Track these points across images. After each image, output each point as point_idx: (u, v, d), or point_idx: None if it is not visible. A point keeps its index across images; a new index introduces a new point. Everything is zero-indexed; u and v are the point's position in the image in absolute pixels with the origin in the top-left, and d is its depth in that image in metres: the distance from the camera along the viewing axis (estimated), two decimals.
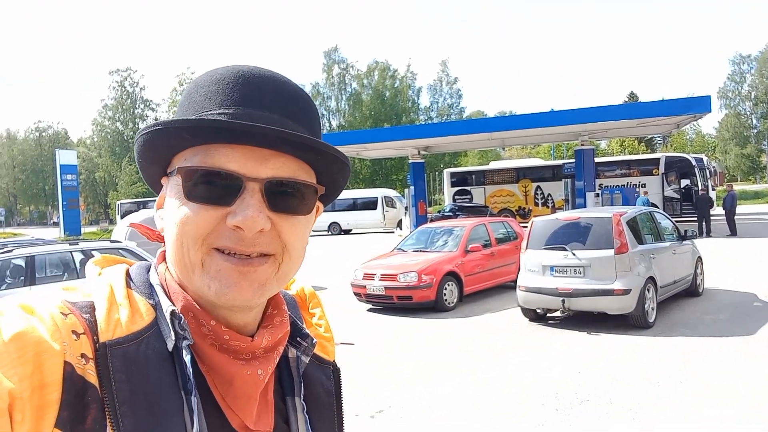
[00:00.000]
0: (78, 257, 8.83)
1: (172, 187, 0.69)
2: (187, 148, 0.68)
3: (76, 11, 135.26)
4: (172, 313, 0.67)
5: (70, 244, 9.12)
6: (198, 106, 0.68)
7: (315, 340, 0.80)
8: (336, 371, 0.85)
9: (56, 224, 48.43)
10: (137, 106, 67.26)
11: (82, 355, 0.60)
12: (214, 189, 0.65)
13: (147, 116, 67.95)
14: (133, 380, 0.61)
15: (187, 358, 0.66)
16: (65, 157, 38.60)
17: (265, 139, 0.64)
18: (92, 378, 0.60)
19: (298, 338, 0.79)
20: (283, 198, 0.67)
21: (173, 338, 0.66)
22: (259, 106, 0.68)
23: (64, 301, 0.65)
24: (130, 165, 54.86)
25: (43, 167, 72.66)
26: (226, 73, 0.69)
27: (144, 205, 35.79)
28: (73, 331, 0.61)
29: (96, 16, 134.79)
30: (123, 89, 66.74)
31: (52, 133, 77.10)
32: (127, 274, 0.72)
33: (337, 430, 0.82)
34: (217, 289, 0.66)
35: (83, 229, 40.16)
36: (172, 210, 0.69)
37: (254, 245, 0.66)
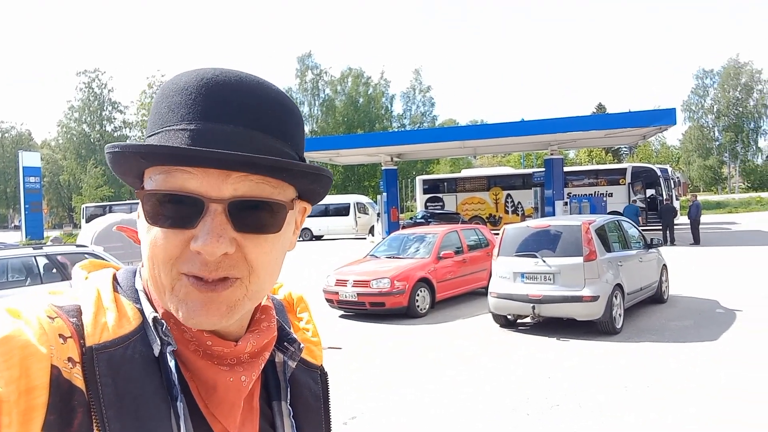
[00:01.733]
0: (42, 262, 8.58)
1: (140, 204, 0.68)
2: (147, 167, 0.66)
3: (43, 10, 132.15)
4: (155, 319, 0.67)
5: (34, 249, 8.86)
6: (162, 119, 0.66)
7: (302, 345, 0.79)
8: (324, 376, 0.85)
9: (17, 228, 47.05)
10: (105, 107, 65.86)
11: (69, 359, 0.60)
12: (176, 211, 0.63)
13: (115, 118, 66.66)
14: (120, 384, 0.61)
15: (171, 363, 0.65)
16: (28, 159, 37.52)
17: (222, 163, 0.61)
18: (79, 382, 0.59)
19: (285, 343, 0.78)
20: (249, 216, 0.64)
21: (159, 344, 0.66)
22: (223, 119, 0.64)
23: (51, 304, 0.64)
24: (95, 168, 53.66)
25: (5, 169, 70.47)
26: (190, 81, 0.66)
27: (110, 209, 35.03)
28: (60, 335, 0.60)
29: (64, 15, 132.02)
30: (90, 90, 65.29)
31: (15, 134, 74.84)
32: (115, 279, 0.72)
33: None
34: (184, 313, 0.65)
35: (46, 233, 39.00)
36: (143, 228, 0.68)
37: (217, 269, 0.63)
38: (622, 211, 20.77)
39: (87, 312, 0.64)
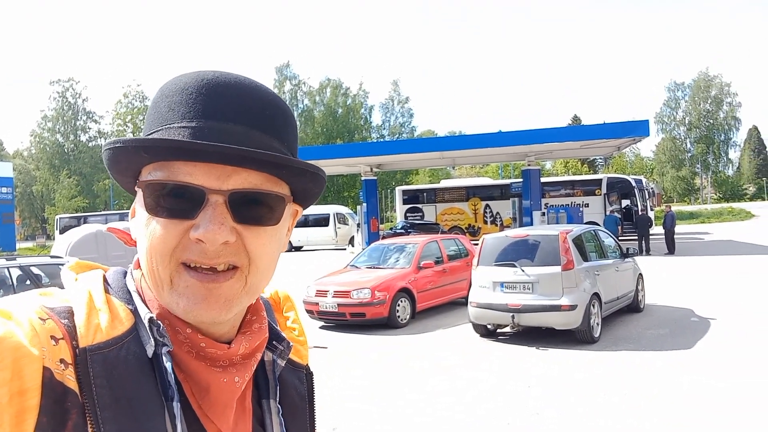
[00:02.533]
0: (15, 273, 8.39)
1: (138, 199, 0.69)
2: (150, 163, 0.67)
3: (15, 18, 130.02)
4: (150, 320, 0.66)
5: (7, 260, 8.66)
6: (162, 118, 0.67)
7: (291, 343, 0.80)
8: (309, 375, 0.85)
9: None
10: (79, 117, 64.95)
11: (61, 361, 0.59)
12: (177, 202, 0.65)
13: (89, 128, 65.76)
14: (114, 385, 0.61)
15: (168, 364, 0.66)
16: (0, 169, 36.77)
17: (224, 157, 0.63)
18: (72, 383, 0.59)
19: (274, 342, 0.78)
20: (248, 209, 0.66)
21: (153, 344, 0.65)
22: (223, 118, 0.66)
23: (42, 306, 0.64)
24: (69, 178, 52.70)
25: None
26: (191, 82, 0.67)
27: (85, 220, 34.40)
28: (52, 336, 0.60)
29: (38, 23, 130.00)
30: (64, 100, 64.36)
31: None
32: (105, 280, 0.72)
33: None
34: (185, 305, 0.65)
35: (18, 245, 38.21)
36: (140, 223, 0.68)
37: (218, 257, 0.65)
38: (602, 221, 21.05)
39: (79, 313, 0.64)
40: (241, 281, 0.67)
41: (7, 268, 8.36)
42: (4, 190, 35.87)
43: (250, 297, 0.70)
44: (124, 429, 0.60)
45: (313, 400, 0.84)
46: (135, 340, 0.65)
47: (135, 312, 0.68)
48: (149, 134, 0.68)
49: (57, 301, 0.66)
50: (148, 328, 0.66)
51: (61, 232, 29.94)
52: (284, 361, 0.79)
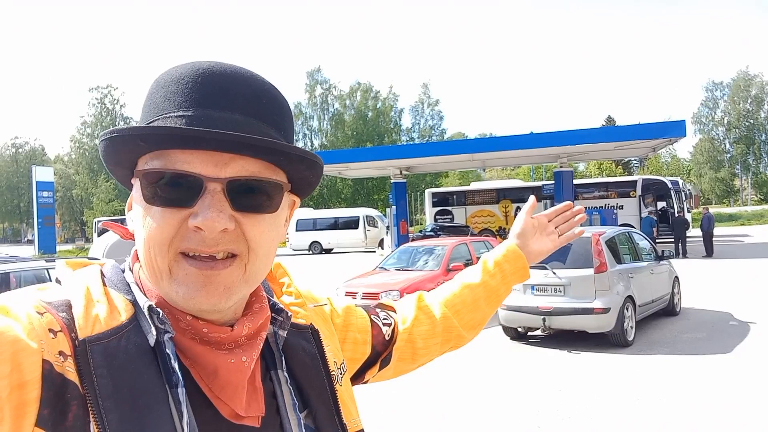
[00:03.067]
0: (54, 275, 8.66)
1: (136, 189, 0.69)
2: (147, 152, 0.67)
3: (56, 26, 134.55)
4: (150, 308, 0.67)
5: (47, 261, 8.95)
6: (158, 108, 0.67)
7: (290, 313, 0.80)
8: (315, 333, 0.84)
9: (30, 242, 47.51)
10: (117, 123, 66.68)
11: (60, 353, 0.60)
12: (175, 191, 0.65)
13: None
14: (116, 375, 0.61)
15: (170, 350, 0.66)
16: (42, 173, 37.97)
17: (222, 144, 0.63)
18: (72, 375, 0.59)
19: (273, 314, 0.79)
20: (246, 196, 0.66)
21: (154, 333, 0.65)
22: (219, 107, 0.66)
23: (39, 300, 0.64)
24: (107, 182, 54.16)
25: (19, 184, 71.38)
26: (186, 72, 0.68)
27: (122, 223, 35.25)
28: (50, 330, 0.60)
29: (78, 32, 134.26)
30: (103, 106, 66.30)
31: (28, 150, 75.96)
32: (102, 273, 0.72)
33: (328, 389, 0.81)
34: (184, 293, 0.65)
35: (58, 247, 39.39)
36: (137, 213, 0.68)
37: (217, 245, 0.65)
38: (638, 223, 20.51)
39: (77, 305, 0.64)
40: (240, 269, 0.67)
41: (47, 269, 8.66)
42: (45, 194, 37.03)
43: (249, 285, 0.70)
44: (126, 418, 0.60)
45: (324, 355, 0.83)
46: (135, 330, 0.66)
47: (134, 302, 0.69)
48: (146, 124, 0.68)
49: (54, 294, 0.67)
50: (147, 316, 0.66)
51: (99, 234, 30.78)
52: (285, 332, 0.79)
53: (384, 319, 1.07)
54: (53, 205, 38.97)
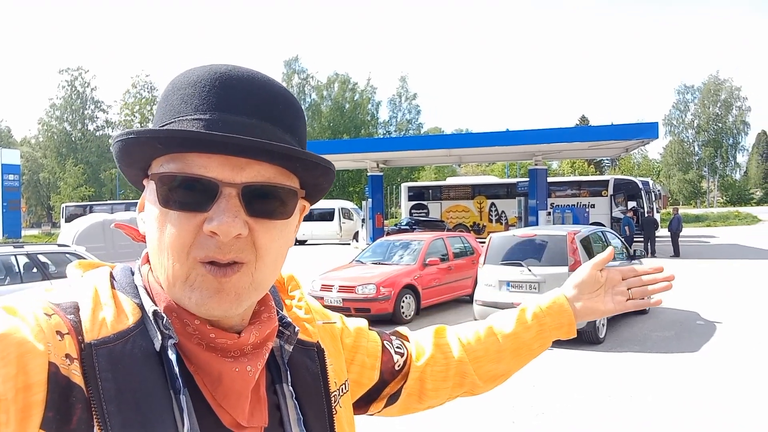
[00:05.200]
0: (22, 261, 8.43)
1: (150, 192, 0.68)
2: (163, 155, 0.66)
3: (26, 6, 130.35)
4: (155, 313, 0.67)
5: (15, 247, 8.70)
6: (174, 110, 0.67)
7: (297, 328, 0.80)
8: (320, 352, 0.84)
9: None
10: (87, 106, 65.10)
11: (67, 356, 0.59)
12: (190, 195, 0.64)
13: (97, 117, 65.91)
14: (120, 379, 0.61)
15: (173, 356, 0.65)
16: (8, 156, 36.99)
17: (239, 149, 0.63)
18: (77, 378, 0.59)
19: (280, 327, 0.78)
20: (261, 202, 0.66)
21: (159, 338, 0.65)
22: (236, 111, 0.66)
23: (48, 301, 0.64)
24: (75, 166, 52.84)
25: None
26: (203, 75, 0.67)
27: (91, 209, 34.52)
28: (57, 332, 0.60)
29: (47, 12, 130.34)
30: (73, 89, 64.49)
31: None
32: (111, 276, 0.72)
33: (325, 411, 0.81)
34: (197, 299, 0.65)
35: (24, 232, 38.43)
36: (151, 216, 0.68)
37: (230, 251, 0.65)
38: (621, 222, 20.61)
39: (85, 308, 0.64)
40: (248, 276, 0.67)
41: (15, 255, 8.40)
42: (11, 177, 36.08)
43: (258, 292, 0.70)
44: (129, 422, 0.60)
45: (326, 376, 0.83)
46: (141, 334, 0.65)
47: (141, 306, 0.68)
48: (161, 126, 0.67)
49: (63, 296, 0.66)
50: (152, 321, 0.66)
51: (67, 220, 30.08)
52: (291, 346, 0.79)
53: (397, 347, 1.02)
54: (19, 189, 38.02)
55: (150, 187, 0.68)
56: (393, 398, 1.01)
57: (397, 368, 1.00)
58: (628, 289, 1.10)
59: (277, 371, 0.78)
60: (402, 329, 1.12)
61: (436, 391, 1.05)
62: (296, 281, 0.92)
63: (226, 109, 0.66)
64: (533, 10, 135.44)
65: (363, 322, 1.02)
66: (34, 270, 8.36)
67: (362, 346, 0.98)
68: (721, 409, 5.24)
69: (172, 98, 0.68)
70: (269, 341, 0.74)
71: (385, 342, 1.01)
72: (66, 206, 38.63)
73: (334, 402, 0.83)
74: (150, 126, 0.70)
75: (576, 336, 1.09)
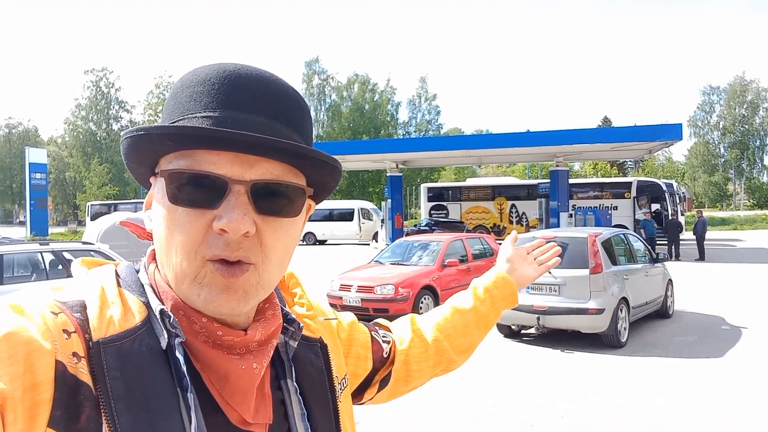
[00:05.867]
0: (48, 258, 8.60)
1: (158, 189, 0.69)
2: (172, 152, 0.67)
3: (52, 8, 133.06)
4: (162, 311, 0.67)
5: (41, 244, 8.88)
6: (183, 108, 0.67)
7: (301, 324, 0.80)
8: (324, 348, 0.85)
9: (22, 223, 47.21)
10: (111, 106, 66.15)
11: (74, 354, 0.60)
12: (200, 192, 0.65)
13: (121, 117, 66.92)
14: (128, 377, 0.61)
15: (180, 355, 0.66)
16: (35, 155, 37.72)
17: (248, 146, 0.63)
18: (85, 377, 0.59)
19: (285, 324, 0.79)
20: (270, 200, 0.67)
21: (166, 336, 0.66)
22: (245, 109, 0.66)
23: (55, 300, 0.64)
24: (100, 166, 53.74)
25: (12, 165, 70.83)
26: (212, 73, 0.68)
27: (115, 207, 35.07)
28: (64, 330, 0.61)
29: (73, 14, 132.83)
30: (98, 89, 65.58)
31: (22, 131, 75.29)
32: (117, 274, 0.72)
33: (330, 405, 0.82)
34: (206, 296, 0.66)
35: (50, 230, 39.15)
36: (159, 213, 0.68)
37: (238, 249, 0.65)
38: (642, 224, 20.28)
39: (92, 307, 0.65)
40: (255, 275, 0.67)
41: (41, 252, 8.58)
42: (38, 175, 36.79)
43: (266, 291, 0.71)
44: (138, 420, 0.60)
45: (330, 371, 0.84)
46: (148, 332, 0.66)
47: (147, 304, 0.69)
48: (170, 124, 0.67)
49: (69, 295, 0.66)
50: (159, 319, 0.67)
51: (92, 218, 30.63)
52: (296, 342, 0.80)
53: (383, 336, 1.09)
54: (46, 187, 38.73)
55: (158, 185, 0.69)
56: (384, 382, 1.06)
57: (385, 356, 1.06)
58: (535, 259, 1.34)
59: (281, 367, 0.79)
60: (381, 321, 1.20)
61: (420, 371, 1.13)
62: (296, 278, 0.93)
63: (235, 107, 0.66)
64: (555, 9, 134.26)
65: (352, 316, 1.07)
66: (59, 267, 8.52)
67: (356, 339, 1.01)
68: (746, 417, 5.13)
69: (181, 96, 0.68)
70: (274, 338, 0.75)
71: (372, 333, 1.07)
72: (91, 205, 39.26)
73: (337, 397, 0.84)
74: (159, 123, 0.71)
75: (518, 304, 1.28)
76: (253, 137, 0.63)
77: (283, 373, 0.79)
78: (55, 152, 66.61)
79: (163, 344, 0.66)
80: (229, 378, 0.68)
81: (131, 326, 0.65)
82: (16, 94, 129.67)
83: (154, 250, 0.73)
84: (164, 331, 0.66)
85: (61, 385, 0.57)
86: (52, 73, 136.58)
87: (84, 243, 10.03)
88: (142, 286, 0.71)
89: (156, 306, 0.68)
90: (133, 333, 0.64)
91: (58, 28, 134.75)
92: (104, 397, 0.59)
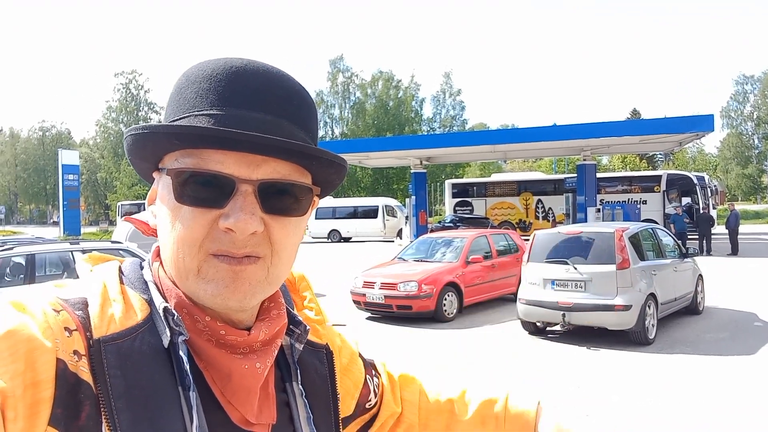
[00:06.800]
0: (78, 257, 8.81)
1: (163, 185, 0.68)
2: (177, 149, 0.66)
3: (83, 11, 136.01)
4: (165, 309, 0.66)
5: (71, 244, 9.11)
6: (189, 104, 0.67)
7: (308, 327, 0.79)
8: (329, 355, 0.84)
9: (56, 224, 48.41)
10: (141, 108, 67.39)
11: (75, 352, 0.59)
12: (206, 191, 0.64)
13: (150, 119, 68.05)
14: (129, 375, 0.61)
15: (183, 353, 0.65)
16: (67, 157, 38.65)
17: (256, 147, 0.63)
18: (85, 375, 0.59)
19: (291, 326, 0.78)
20: (276, 199, 0.66)
21: (168, 334, 0.65)
22: (252, 107, 0.66)
23: (56, 297, 0.64)
24: (129, 167, 54.80)
25: (45, 166, 72.85)
26: (218, 69, 0.67)
27: (144, 207, 35.68)
28: (66, 328, 0.60)
29: (103, 17, 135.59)
30: (128, 91, 66.91)
31: (55, 133, 77.40)
32: (120, 271, 0.72)
33: (332, 414, 0.80)
34: (212, 290, 0.65)
35: (83, 230, 40.11)
36: (164, 210, 0.68)
37: (245, 246, 0.65)
38: (672, 219, 19.78)
39: (93, 304, 0.64)
40: (263, 270, 0.67)
41: (71, 251, 8.80)
42: (70, 177, 37.68)
43: (272, 287, 0.70)
44: (138, 419, 0.60)
45: (334, 379, 0.82)
46: (150, 331, 0.65)
47: (150, 302, 0.68)
48: (174, 120, 0.67)
49: (71, 292, 0.66)
50: (162, 317, 0.66)
51: (123, 217, 31.24)
52: (302, 345, 0.79)
53: (376, 386, 0.99)
54: (78, 188, 39.64)
55: (163, 182, 0.68)
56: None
57: (367, 406, 0.97)
58: None
59: (287, 369, 0.78)
60: (383, 362, 1.08)
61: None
62: (307, 281, 0.92)
63: (242, 105, 0.66)
64: (582, 1, 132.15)
65: (356, 347, 0.99)
66: None
67: (352, 372, 0.94)
68: None
69: (186, 92, 0.67)
70: (278, 338, 0.74)
71: (367, 377, 0.98)
72: (121, 204, 40.17)
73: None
74: (162, 118, 0.70)
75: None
76: (261, 138, 0.62)
77: (289, 375, 0.78)
78: (87, 154, 68.26)
79: (165, 342, 0.65)
80: (232, 377, 0.68)
81: (133, 324, 0.64)
82: (50, 98, 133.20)
83: (158, 247, 0.73)
84: (167, 329, 0.65)
85: (62, 383, 0.57)
86: (84, 77, 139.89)
87: (113, 242, 10.25)
88: (146, 283, 0.71)
89: (159, 303, 0.67)
90: (135, 331, 0.64)
91: (89, 32, 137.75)
92: (104, 396, 0.59)
